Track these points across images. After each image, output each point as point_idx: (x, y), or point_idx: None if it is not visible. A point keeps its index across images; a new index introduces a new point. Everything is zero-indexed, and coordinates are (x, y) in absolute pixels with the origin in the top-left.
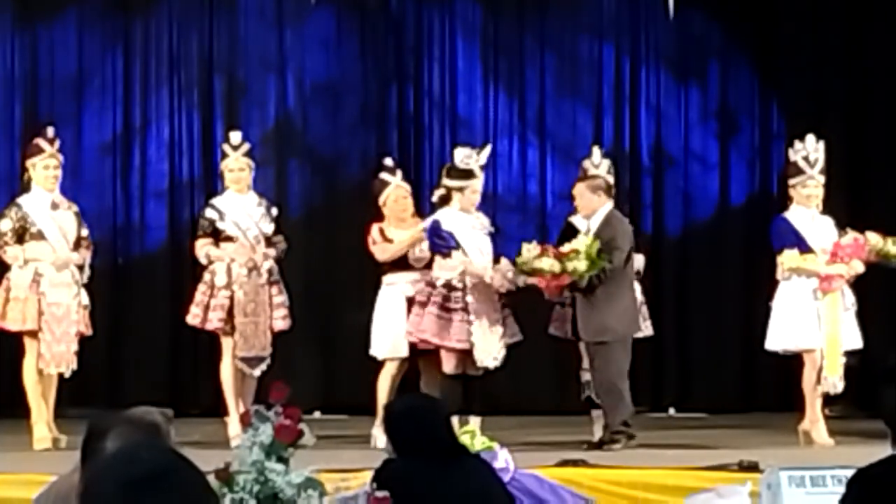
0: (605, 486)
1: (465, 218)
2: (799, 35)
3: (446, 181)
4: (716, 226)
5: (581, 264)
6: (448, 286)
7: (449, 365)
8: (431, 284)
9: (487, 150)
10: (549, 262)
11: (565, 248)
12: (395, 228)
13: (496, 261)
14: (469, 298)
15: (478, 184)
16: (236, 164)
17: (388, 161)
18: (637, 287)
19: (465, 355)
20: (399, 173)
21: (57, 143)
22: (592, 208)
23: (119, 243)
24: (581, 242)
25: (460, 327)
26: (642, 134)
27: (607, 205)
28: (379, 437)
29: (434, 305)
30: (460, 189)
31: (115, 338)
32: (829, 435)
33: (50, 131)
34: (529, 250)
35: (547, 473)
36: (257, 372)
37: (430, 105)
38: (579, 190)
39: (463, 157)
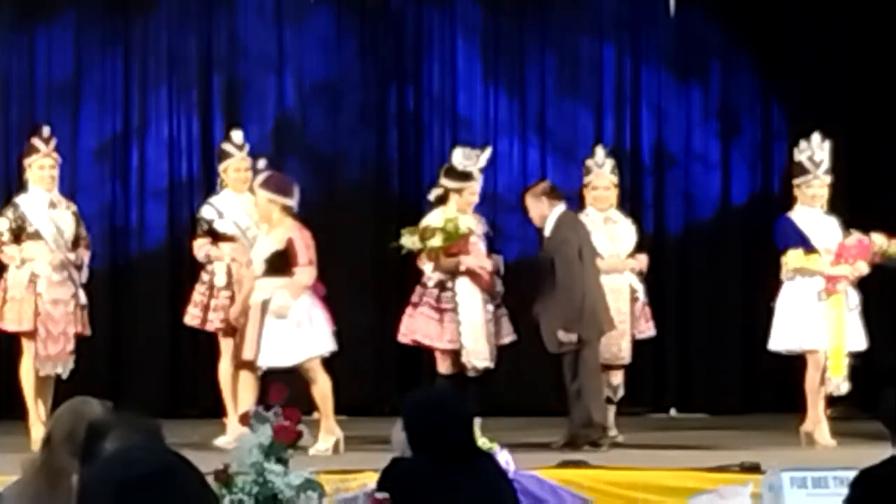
0: (604, 486)
1: (460, 218)
2: (800, 34)
3: (444, 181)
4: (717, 226)
5: (437, 240)
6: (440, 286)
7: (443, 365)
8: (423, 284)
9: (488, 152)
10: (412, 241)
11: (423, 224)
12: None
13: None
14: (459, 299)
15: (476, 186)
16: (243, 165)
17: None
18: (640, 287)
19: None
20: None
21: (53, 143)
22: (542, 215)
23: (118, 244)
24: (438, 219)
25: (450, 328)
26: (643, 134)
27: (557, 208)
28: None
29: (426, 305)
30: (458, 190)
31: (115, 338)
32: (832, 436)
33: (45, 131)
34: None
35: (547, 474)
36: (259, 372)
37: (430, 105)
38: (528, 201)
39: (462, 158)
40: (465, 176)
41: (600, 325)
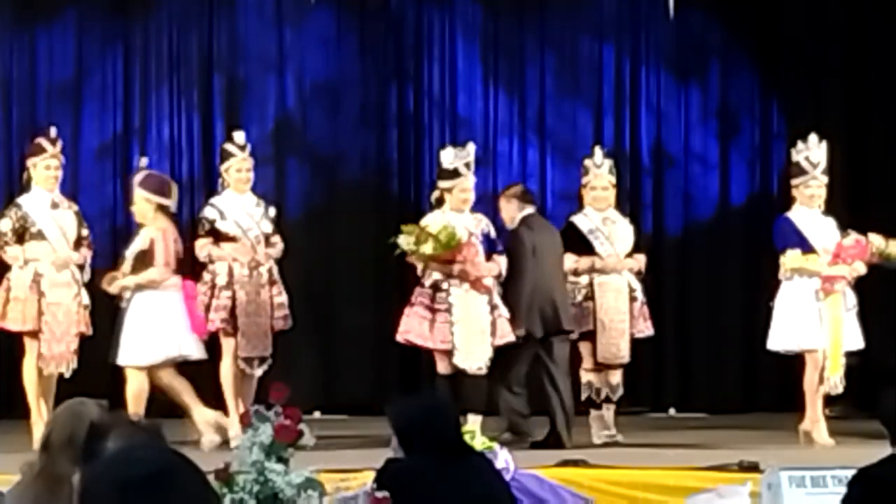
0: (605, 486)
1: (456, 218)
2: (799, 34)
3: (438, 183)
4: (716, 226)
5: (427, 247)
6: (434, 287)
7: (442, 365)
8: (421, 284)
9: (468, 147)
10: (408, 241)
11: (424, 223)
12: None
13: (488, 259)
14: (453, 300)
15: (466, 182)
16: (245, 165)
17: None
18: (639, 287)
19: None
20: None
21: (59, 144)
22: (512, 217)
23: (118, 244)
24: (437, 220)
25: (442, 328)
26: (643, 134)
27: (526, 211)
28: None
29: (420, 305)
30: (449, 189)
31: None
32: (830, 435)
33: (52, 131)
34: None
35: (547, 473)
36: (259, 372)
37: (430, 105)
38: (500, 203)
39: (447, 157)
40: (453, 173)
41: (545, 324)
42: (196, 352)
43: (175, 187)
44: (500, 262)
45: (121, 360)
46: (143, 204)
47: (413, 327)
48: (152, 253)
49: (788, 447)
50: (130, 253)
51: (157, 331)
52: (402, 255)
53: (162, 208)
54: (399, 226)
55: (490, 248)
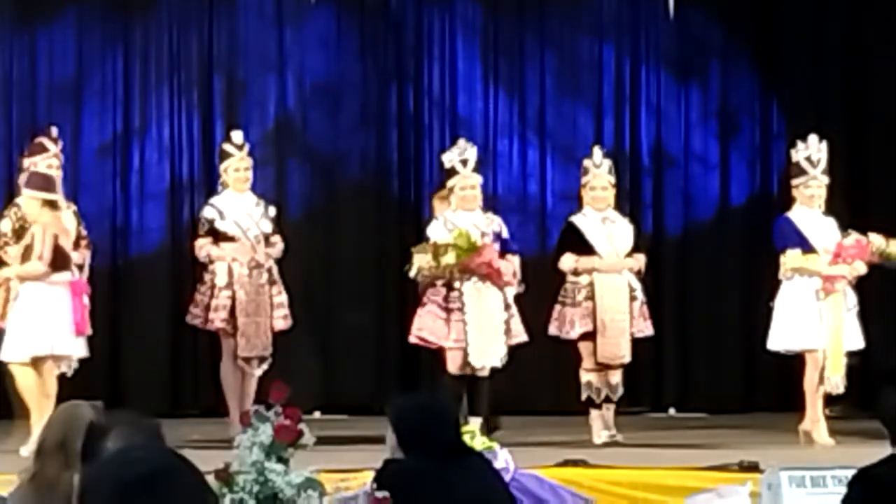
0: (605, 486)
1: (466, 218)
2: (799, 35)
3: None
4: (716, 226)
5: (450, 257)
6: (447, 285)
7: (453, 365)
8: (432, 283)
9: (460, 143)
10: (426, 259)
11: (440, 241)
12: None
13: (501, 258)
14: (466, 298)
15: (465, 180)
16: (242, 164)
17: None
18: (638, 287)
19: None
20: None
21: (60, 143)
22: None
23: (118, 244)
24: (450, 236)
25: (456, 326)
26: (642, 134)
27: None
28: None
29: (433, 304)
30: (451, 189)
31: (115, 338)
32: (830, 435)
33: (54, 131)
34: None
35: (547, 473)
36: (258, 371)
37: (430, 105)
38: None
39: (446, 158)
40: (450, 172)
41: None
42: (75, 350)
43: (59, 182)
44: (514, 262)
45: (2, 356)
46: (28, 202)
47: (427, 325)
48: (31, 248)
49: (788, 447)
50: (20, 250)
51: (36, 325)
52: (407, 255)
53: (49, 203)
54: (399, 227)
55: (503, 248)
